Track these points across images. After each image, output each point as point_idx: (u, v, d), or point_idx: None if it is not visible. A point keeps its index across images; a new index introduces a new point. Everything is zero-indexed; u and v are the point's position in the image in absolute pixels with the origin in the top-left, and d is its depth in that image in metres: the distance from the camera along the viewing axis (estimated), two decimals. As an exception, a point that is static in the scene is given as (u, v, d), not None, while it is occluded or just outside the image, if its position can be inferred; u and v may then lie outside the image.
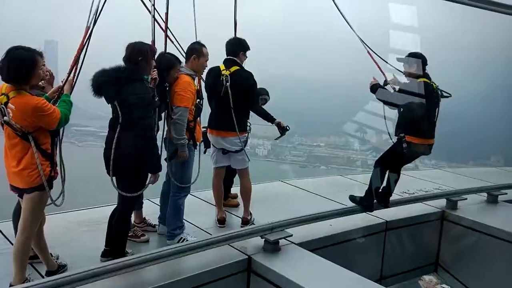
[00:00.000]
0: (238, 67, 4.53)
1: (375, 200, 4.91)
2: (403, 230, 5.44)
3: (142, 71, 3.54)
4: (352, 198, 5.02)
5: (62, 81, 3.35)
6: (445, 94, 4.72)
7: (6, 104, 2.95)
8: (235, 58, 4.55)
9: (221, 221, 4.83)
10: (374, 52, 4.97)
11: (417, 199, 5.72)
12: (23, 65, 2.95)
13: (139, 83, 3.45)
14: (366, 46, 4.96)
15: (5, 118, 2.95)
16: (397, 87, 4.83)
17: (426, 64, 4.68)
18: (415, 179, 7.39)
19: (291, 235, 4.18)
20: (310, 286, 3.52)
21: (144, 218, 4.54)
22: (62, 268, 3.56)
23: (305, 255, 4.13)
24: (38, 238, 3.36)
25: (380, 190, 4.93)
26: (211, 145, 4.77)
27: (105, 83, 3.40)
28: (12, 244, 3.86)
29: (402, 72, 4.78)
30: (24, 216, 3.14)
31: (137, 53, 3.51)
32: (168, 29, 4.15)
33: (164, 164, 3.99)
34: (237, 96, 4.44)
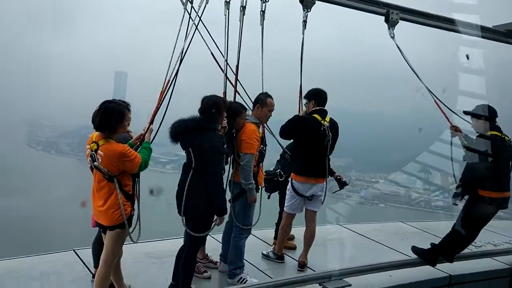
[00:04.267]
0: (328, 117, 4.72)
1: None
2: (468, 286, 5.17)
3: (215, 122, 3.86)
4: (414, 250, 4.90)
5: (144, 129, 3.71)
6: None
7: (96, 150, 3.36)
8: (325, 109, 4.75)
9: (281, 258, 5.06)
10: (440, 101, 4.90)
11: (485, 254, 5.45)
12: (113, 118, 3.36)
13: (212, 132, 3.77)
14: (433, 96, 4.90)
15: (95, 163, 3.36)
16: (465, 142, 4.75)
17: (496, 116, 4.58)
18: (483, 230, 6.95)
19: (350, 285, 4.18)
20: None
21: (207, 255, 4.77)
22: None
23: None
24: (116, 269, 3.72)
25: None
26: (295, 192, 4.80)
27: (182, 132, 3.76)
28: (89, 270, 4.32)
29: (470, 123, 4.71)
30: (106, 251, 3.51)
31: (212, 105, 3.85)
32: (238, 81, 4.46)
33: (227, 205, 4.22)
34: (333, 144, 4.68)
